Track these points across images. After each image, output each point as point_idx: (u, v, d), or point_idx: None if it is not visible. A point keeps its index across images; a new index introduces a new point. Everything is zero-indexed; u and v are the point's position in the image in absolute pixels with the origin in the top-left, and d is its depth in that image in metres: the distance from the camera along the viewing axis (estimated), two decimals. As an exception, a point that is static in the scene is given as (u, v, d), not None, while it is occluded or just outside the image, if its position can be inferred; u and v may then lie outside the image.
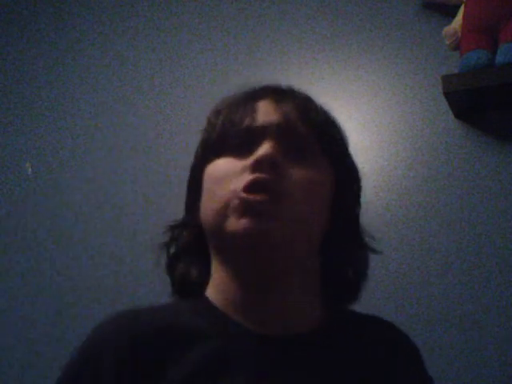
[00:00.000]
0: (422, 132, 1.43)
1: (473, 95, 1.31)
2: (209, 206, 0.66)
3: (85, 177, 1.73)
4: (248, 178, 0.63)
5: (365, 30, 1.53)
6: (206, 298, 0.69)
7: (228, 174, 0.65)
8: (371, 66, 1.51)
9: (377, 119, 1.47)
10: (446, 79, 1.30)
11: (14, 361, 1.65)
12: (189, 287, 0.72)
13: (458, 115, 1.40)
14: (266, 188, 0.62)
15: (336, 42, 1.56)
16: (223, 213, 0.64)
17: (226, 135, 0.68)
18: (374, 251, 0.74)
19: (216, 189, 0.66)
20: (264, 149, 0.64)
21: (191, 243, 0.72)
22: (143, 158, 1.68)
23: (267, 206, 0.62)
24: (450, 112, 1.40)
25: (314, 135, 0.68)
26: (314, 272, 0.70)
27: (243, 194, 0.62)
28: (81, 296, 1.63)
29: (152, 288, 1.57)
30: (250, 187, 0.62)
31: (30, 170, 1.80)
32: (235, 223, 0.62)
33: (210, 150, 0.70)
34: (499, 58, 1.26)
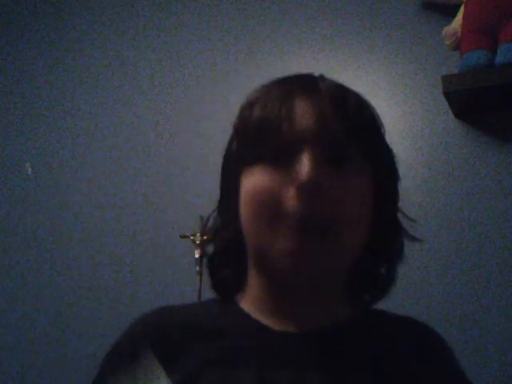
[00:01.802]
0: (422, 132, 1.43)
1: (473, 95, 1.31)
2: (252, 221, 0.65)
3: (85, 177, 1.73)
4: (293, 204, 0.62)
5: (365, 29, 1.54)
6: (236, 301, 0.70)
7: (270, 189, 0.63)
8: (371, 66, 1.51)
9: (377, 119, 1.47)
10: (446, 79, 1.30)
11: (13, 361, 1.65)
12: (224, 289, 0.72)
13: (458, 115, 1.40)
14: (312, 223, 0.61)
15: (336, 42, 1.56)
16: (270, 229, 0.63)
17: (262, 138, 0.65)
18: (414, 239, 0.76)
19: (258, 205, 0.64)
20: (306, 166, 0.61)
21: (231, 245, 0.71)
22: (143, 158, 1.68)
23: (313, 240, 0.61)
24: (450, 112, 1.40)
25: (352, 139, 0.65)
26: (343, 275, 0.69)
27: (288, 234, 0.61)
28: (81, 296, 1.63)
29: (152, 288, 1.57)
30: (297, 223, 0.61)
31: (29, 170, 1.80)
32: (283, 244, 0.62)
33: (247, 151, 0.67)
34: (499, 58, 1.26)
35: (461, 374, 0.74)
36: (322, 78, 0.73)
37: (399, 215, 0.76)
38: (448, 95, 1.32)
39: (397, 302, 1.32)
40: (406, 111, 1.45)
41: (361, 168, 0.66)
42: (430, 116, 1.43)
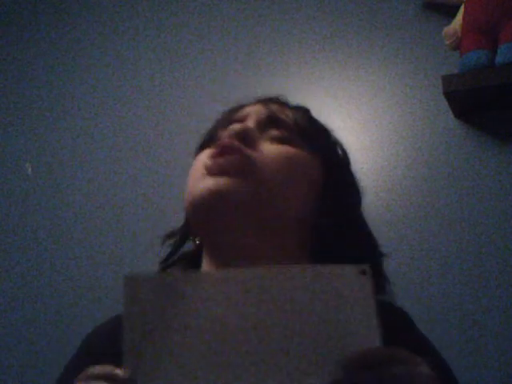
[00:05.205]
0: (422, 132, 1.43)
1: (473, 95, 1.31)
2: (186, 195, 0.67)
3: (85, 177, 1.73)
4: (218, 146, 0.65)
5: (365, 30, 1.53)
6: None
7: (202, 159, 0.66)
8: (371, 66, 1.51)
9: (377, 119, 1.47)
10: (446, 79, 1.30)
11: (13, 361, 1.65)
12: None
13: (458, 115, 1.40)
14: (235, 151, 0.63)
15: (336, 42, 1.56)
16: (193, 188, 0.65)
17: (213, 133, 0.71)
18: (380, 254, 0.71)
19: (190, 178, 0.67)
20: (238, 125, 0.65)
21: (183, 242, 0.73)
22: (143, 157, 1.68)
23: (235, 165, 0.62)
24: (450, 112, 1.40)
25: (297, 126, 0.68)
26: (294, 245, 0.69)
27: (211, 161, 0.64)
28: (81, 296, 1.63)
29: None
30: (218, 152, 0.63)
31: (29, 170, 1.80)
32: (202, 186, 0.63)
33: (199, 148, 0.73)
34: (499, 58, 1.26)
35: (415, 332, 0.73)
36: (287, 101, 0.76)
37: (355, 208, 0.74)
38: (448, 95, 1.32)
39: (397, 302, 1.32)
40: (406, 111, 1.45)
41: (302, 146, 0.67)
42: (430, 116, 1.43)
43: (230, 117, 0.70)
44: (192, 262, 0.71)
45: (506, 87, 1.27)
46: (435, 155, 1.40)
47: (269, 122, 0.68)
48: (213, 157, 0.63)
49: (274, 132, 0.67)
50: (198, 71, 1.68)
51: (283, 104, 0.72)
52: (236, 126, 0.64)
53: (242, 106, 0.72)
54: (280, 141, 0.67)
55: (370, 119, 1.47)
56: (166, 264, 0.73)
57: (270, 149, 0.65)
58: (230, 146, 0.63)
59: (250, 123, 0.67)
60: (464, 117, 1.40)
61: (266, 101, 0.72)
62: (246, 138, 0.64)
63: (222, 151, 0.63)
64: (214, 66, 1.67)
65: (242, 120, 0.68)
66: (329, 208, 0.68)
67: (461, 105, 1.36)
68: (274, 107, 0.69)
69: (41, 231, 1.73)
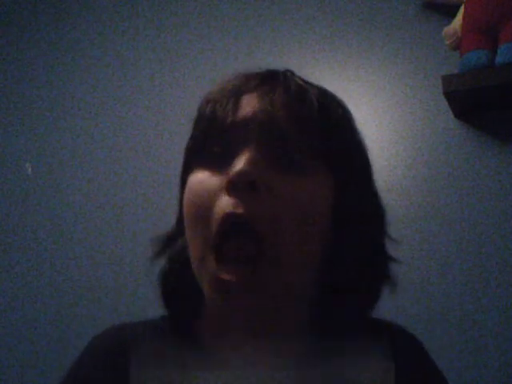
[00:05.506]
0: (422, 132, 1.43)
1: (473, 95, 1.31)
2: (188, 235, 0.58)
3: (85, 177, 1.73)
4: (221, 207, 0.52)
5: (365, 30, 1.53)
6: (192, 326, 0.63)
7: (203, 197, 0.55)
8: (371, 66, 1.51)
9: (377, 119, 1.47)
10: (446, 79, 1.30)
11: (14, 361, 1.65)
12: (177, 312, 0.64)
13: (458, 115, 1.40)
14: (242, 239, 0.51)
15: (336, 42, 1.56)
16: (201, 258, 0.55)
17: (207, 137, 0.58)
18: (394, 261, 0.62)
19: (191, 216, 0.56)
20: (240, 163, 0.52)
21: (185, 254, 0.61)
22: (143, 158, 1.68)
23: (244, 283, 0.52)
24: (450, 112, 1.40)
25: (304, 134, 0.56)
26: (308, 295, 0.60)
27: (214, 267, 0.52)
28: (81, 296, 1.63)
29: (152, 288, 1.57)
30: (221, 236, 0.52)
31: (30, 169, 1.80)
32: (211, 293, 0.54)
33: (192, 153, 0.61)
34: (499, 58, 1.26)
35: (434, 372, 0.66)
36: (282, 76, 0.63)
37: (382, 238, 0.62)
38: (448, 95, 1.32)
39: (397, 302, 1.32)
40: (406, 111, 1.45)
41: (314, 167, 0.56)
42: (430, 116, 1.43)
43: (223, 116, 0.58)
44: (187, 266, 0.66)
45: (506, 87, 1.27)
46: (435, 155, 1.40)
47: (272, 138, 0.55)
48: (216, 254, 0.53)
49: (279, 154, 0.55)
50: (198, 71, 1.68)
51: (287, 96, 0.58)
52: (237, 175, 0.52)
53: (235, 94, 0.60)
54: (289, 169, 0.55)
55: (370, 119, 1.48)
56: (168, 278, 0.64)
57: (282, 194, 0.53)
58: (235, 237, 0.52)
59: (251, 157, 0.53)
60: (464, 117, 1.40)
61: (265, 91, 0.58)
62: (250, 188, 0.52)
63: (227, 257, 0.52)
64: (214, 66, 1.67)
65: (239, 135, 0.56)
66: (340, 225, 0.57)
67: (461, 105, 1.36)
68: (277, 108, 0.57)
69: (41, 231, 1.73)
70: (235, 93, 0.59)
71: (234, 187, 0.52)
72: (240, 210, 0.51)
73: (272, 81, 0.61)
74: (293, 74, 0.64)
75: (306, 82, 0.62)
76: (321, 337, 0.59)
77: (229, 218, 0.52)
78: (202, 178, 0.56)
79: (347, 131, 0.62)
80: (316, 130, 0.57)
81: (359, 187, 0.62)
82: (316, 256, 0.56)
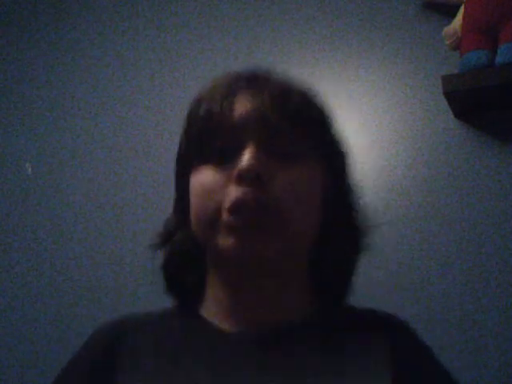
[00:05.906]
0: (422, 132, 1.43)
1: (473, 95, 1.31)
2: (197, 221, 0.66)
3: (85, 177, 1.73)
4: (232, 195, 0.61)
5: (365, 30, 1.54)
6: (195, 306, 0.70)
7: (213, 189, 0.63)
8: (371, 66, 1.51)
9: (377, 119, 1.47)
10: (446, 79, 1.30)
11: (14, 361, 1.65)
12: (182, 295, 0.72)
13: (458, 115, 1.40)
14: (250, 208, 0.61)
15: (336, 42, 1.56)
16: (211, 229, 0.63)
17: (206, 135, 0.66)
18: (370, 234, 0.73)
19: (202, 204, 0.65)
20: (246, 159, 0.62)
21: (186, 247, 0.71)
22: (143, 157, 1.68)
23: (253, 227, 0.61)
24: (450, 112, 1.40)
25: (295, 132, 0.65)
26: (301, 270, 0.69)
27: (228, 217, 0.61)
28: (81, 296, 1.63)
29: (152, 288, 1.57)
30: (233, 209, 0.61)
31: (30, 169, 1.80)
32: (224, 241, 0.62)
33: (193, 151, 0.68)
34: (499, 58, 1.26)
35: (433, 364, 0.72)
36: (268, 73, 0.72)
37: (355, 212, 0.73)
38: (448, 95, 1.32)
39: (397, 302, 1.32)
40: (406, 111, 1.45)
41: (306, 160, 0.66)
42: (430, 116, 1.43)
43: (220, 115, 0.65)
44: (197, 267, 0.70)
45: (506, 87, 1.27)
46: (435, 155, 1.40)
47: (269, 136, 0.64)
48: (230, 212, 0.61)
49: (276, 149, 0.64)
50: (198, 71, 1.68)
51: (276, 95, 0.66)
52: (245, 170, 0.61)
53: (228, 93, 0.67)
54: (285, 162, 0.64)
55: (370, 119, 1.48)
56: (170, 272, 0.72)
57: (282, 183, 0.63)
58: (245, 205, 0.61)
59: (254, 154, 0.62)
60: (464, 117, 1.40)
61: (255, 90, 0.67)
62: (256, 179, 0.61)
63: (238, 211, 0.61)
64: (214, 66, 1.67)
65: (239, 134, 0.64)
66: (331, 214, 0.69)
67: (461, 105, 1.36)
68: (268, 107, 0.65)
69: (41, 231, 1.74)
70: (228, 93, 0.67)
71: (242, 179, 0.61)
72: (249, 196, 0.61)
73: (258, 82, 0.69)
74: (273, 73, 0.73)
75: (288, 81, 0.71)
76: (319, 311, 0.69)
77: (239, 202, 0.61)
78: (209, 173, 0.65)
79: (329, 124, 0.72)
80: (303, 125, 0.66)
81: (341, 171, 0.73)
82: (312, 227, 0.66)
